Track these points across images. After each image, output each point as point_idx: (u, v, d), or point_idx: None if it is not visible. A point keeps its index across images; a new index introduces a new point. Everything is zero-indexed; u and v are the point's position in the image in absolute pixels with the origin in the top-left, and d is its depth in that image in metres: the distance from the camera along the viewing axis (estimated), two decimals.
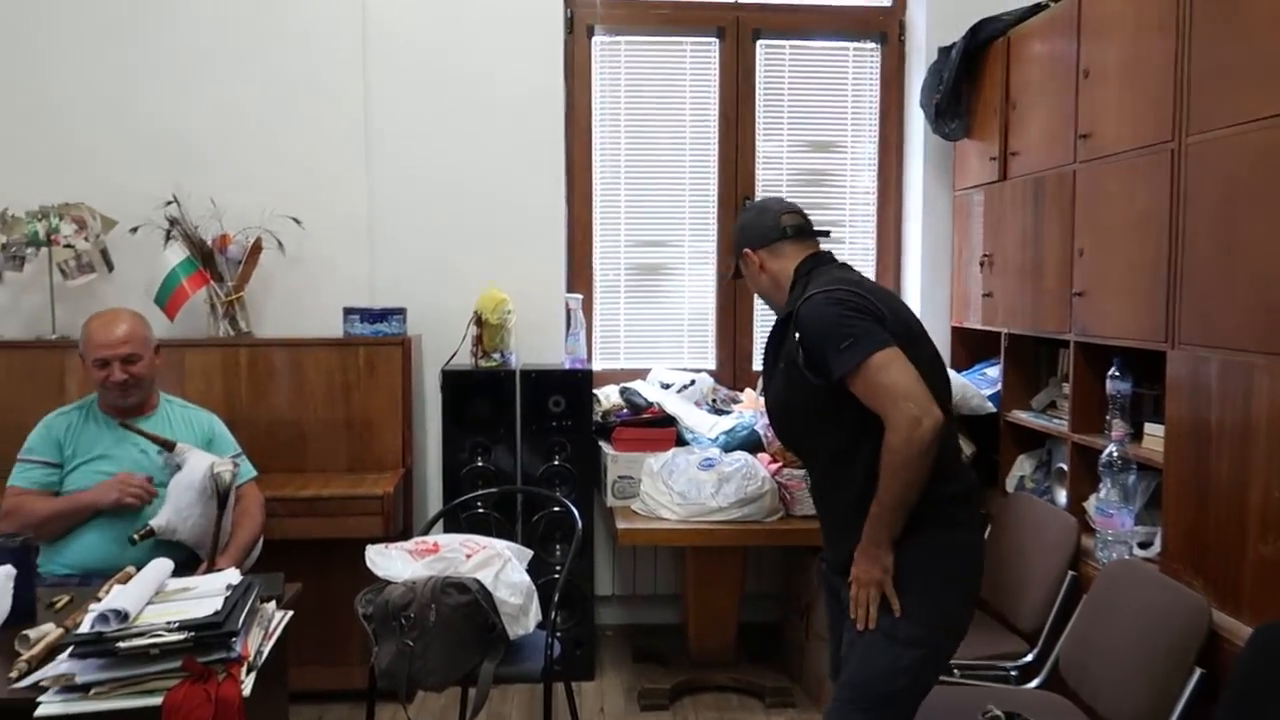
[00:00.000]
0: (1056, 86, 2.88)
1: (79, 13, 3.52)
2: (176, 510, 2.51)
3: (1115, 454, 2.53)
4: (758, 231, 2.15)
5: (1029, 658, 2.65)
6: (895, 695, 1.91)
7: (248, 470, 2.87)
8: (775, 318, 2.18)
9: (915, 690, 1.94)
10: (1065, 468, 2.88)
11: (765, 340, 2.22)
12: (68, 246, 3.33)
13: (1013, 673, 2.64)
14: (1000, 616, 2.86)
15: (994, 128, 3.27)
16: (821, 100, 3.91)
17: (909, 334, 1.96)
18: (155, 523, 2.48)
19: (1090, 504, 2.72)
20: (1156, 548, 2.46)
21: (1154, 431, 2.53)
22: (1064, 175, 2.84)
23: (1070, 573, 2.63)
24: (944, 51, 3.49)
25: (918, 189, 3.77)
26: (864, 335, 1.86)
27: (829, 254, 2.14)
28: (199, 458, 2.59)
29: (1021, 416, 3.16)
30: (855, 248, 3.91)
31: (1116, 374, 2.63)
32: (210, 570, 2.40)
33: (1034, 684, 2.50)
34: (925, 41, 3.69)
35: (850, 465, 1.94)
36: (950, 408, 2.03)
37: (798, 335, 1.94)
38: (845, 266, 2.12)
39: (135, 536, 2.44)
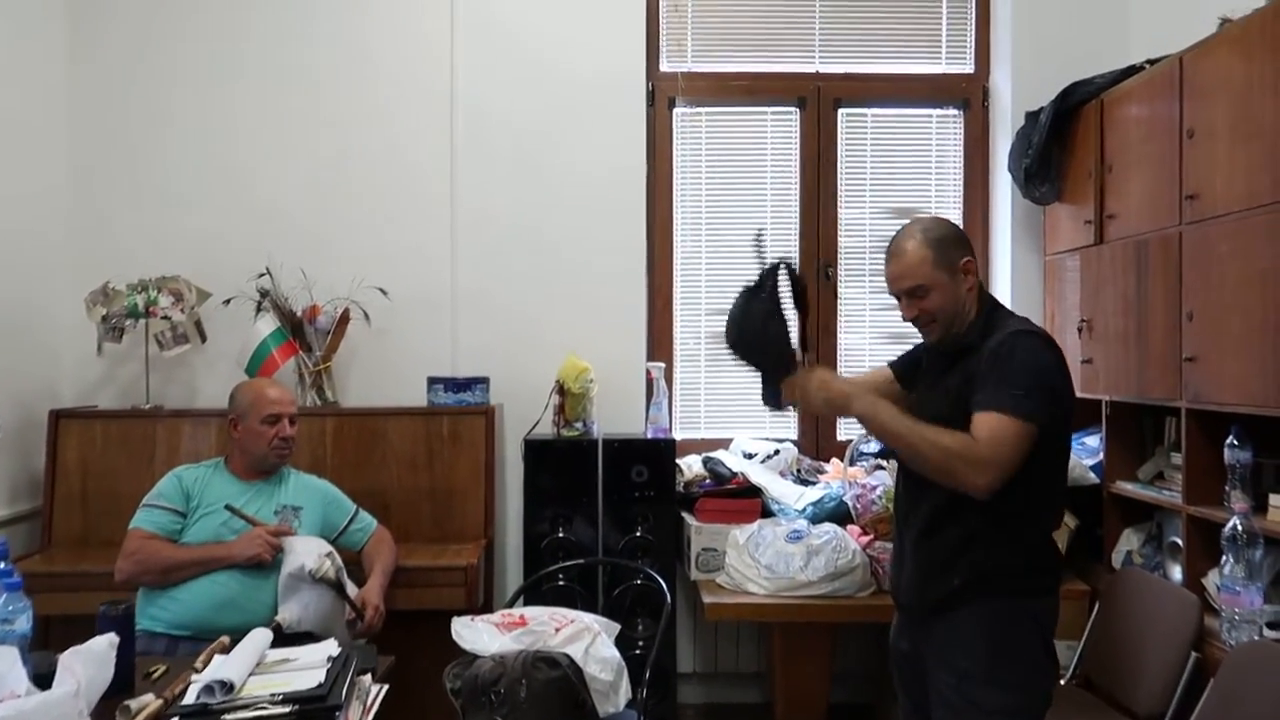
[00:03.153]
0: (1157, 148, 2.82)
1: (177, 95, 3.67)
2: (299, 603, 2.52)
3: (1239, 527, 2.39)
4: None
5: None
6: None
7: (370, 521, 2.97)
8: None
9: None
10: (1180, 542, 2.74)
11: (911, 353, 2.30)
12: (164, 318, 3.41)
13: None
14: (1114, 700, 2.70)
15: (1088, 191, 3.20)
16: (904, 167, 3.89)
17: (1068, 418, 2.02)
18: (281, 619, 2.48)
19: (1211, 581, 2.58)
20: None
21: (1279, 503, 2.39)
22: (1169, 237, 2.75)
23: (1193, 654, 2.47)
24: (1031, 116, 3.45)
25: (1006, 254, 3.70)
26: (1041, 402, 1.89)
27: None
28: (298, 553, 2.58)
29: (1127, 488, 3.02)
30: None
31: (1235, 443, 2.50)
32: (365, 629, 2.59)
33: None
34: (1010, 106, 3.66)
35: (977, 509, 1.92)
36: (1063, 500, 2.12)
37: (995, 358, 1.93)
38: None
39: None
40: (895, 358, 2.40)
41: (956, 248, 2.08)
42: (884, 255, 2.14)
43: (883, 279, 2.16)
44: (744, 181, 3.88)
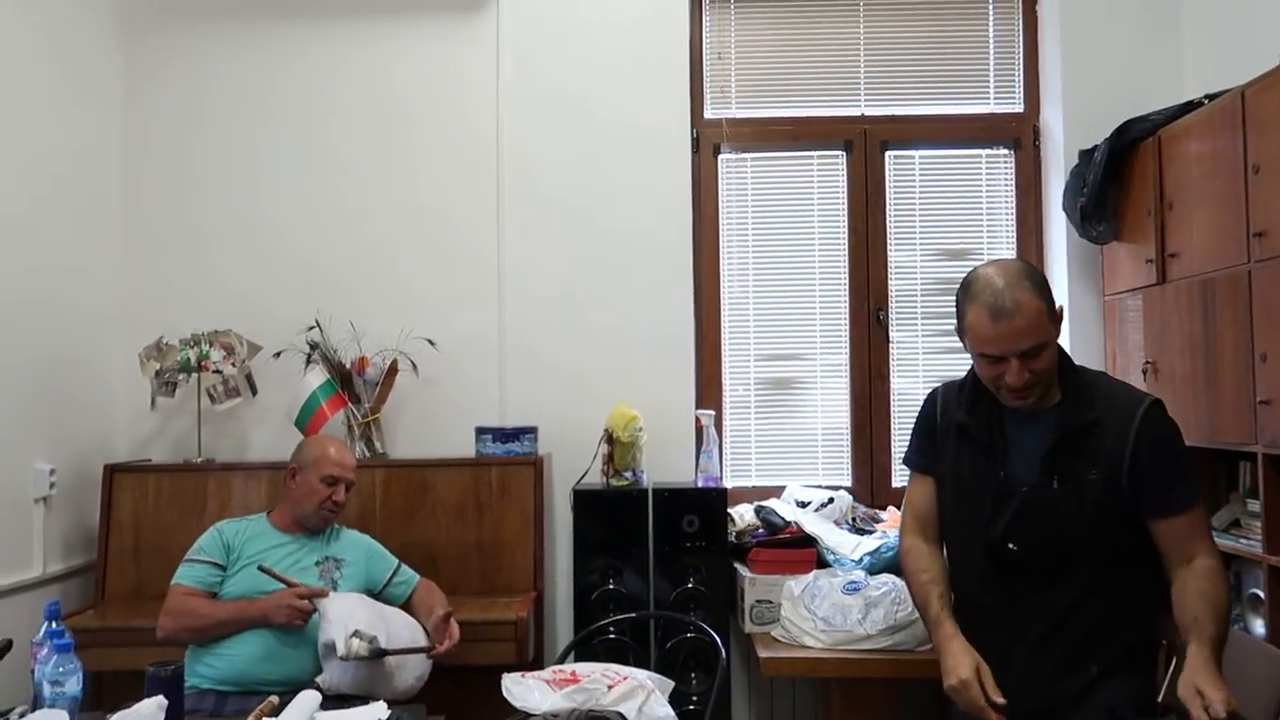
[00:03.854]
0: (1221, 184, 2.74)
1: (225, 149, 3.73)
2: (339, 669, 2.49)
3: None
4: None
5: None
6: None
7: (412, 575, 2.95)
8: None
9: None
10: (1261, 594, 2.61)
11: (924, 439, 2.10)
12: (216, 372, 3.44)
13: None
14: None
15: (1148, 229, 3.12)
16: (954, 208, 3.83)
17: None
18: (321, 680, 2.46)
19: None
20: None
21: None
22: (1237, 276, 2.66)
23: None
24: (1085, 154, 3.38)
25: (1063, 294, 3.60)
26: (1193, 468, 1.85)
27: None
28: (330, 623, 2.53)
29: None
30: None
31: None
32: (444, 649, 2.63)
33: None
34: (1062, 145, 3.60)
35: (1109, 592, 1.86)
36: None
37: (1162, 445, 1.82)
38: None
39: None
40: (913, 457, 2.17)
41: (1051, 292, 1.88)
42: (978, 308, 1.84)
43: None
44: (791, 226, 3.85)
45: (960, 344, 1.98)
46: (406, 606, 2.86)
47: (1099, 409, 1.85)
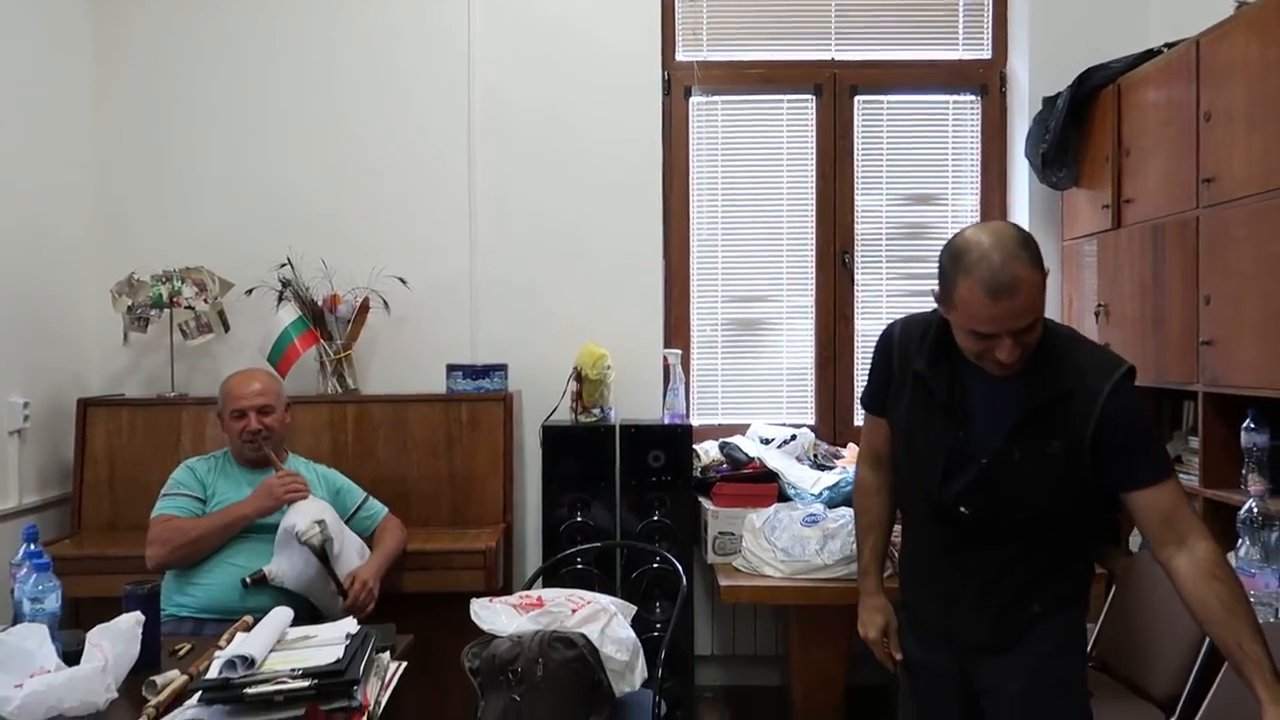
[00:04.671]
0: (1175, 131, 2.81)
1: (198, 87, 3.72)
2: (287, 560, 2.57)
3: (1255, 510, 2.39)
4: None
5: None
6: None
7: (380, 509, 3.01)
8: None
9: None
10: None
11: (880, 382, 1.99)
12: (188, 308, 3.46)
13: None
14: (1130, 683, 2.70)
15: (1105, 175, 3.19)
16: (921, 153, 3.88)
17: None
18: (268, 568, 2.55)
19: None
20: None
21: None
22: (1186, 221, 2.74)
23: (1209, 637, 2.47)
24: (1049, 101, 3.44)
25: None
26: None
27: None
28: (297, 511, 2.64)
29: None
30: None
31: (1252, 426, 2.50)
32: (349, 603, 2.61)
33: None
34: (1028, 92, 3.65)
35: (1054, 540, 1.87)
36: None
37: (1101, 417, 1.71)
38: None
39: (247, 580, 2.53)
40: (867, 399, 2.09)
41: (1042, 258, 1.71)
42: (973, 284, 1.65)
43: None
44: (760, 169, 3.89)
45: (932, 300, 1.83)
46: (371, 540, 2.93)
47: (1069, 380, 1.74)
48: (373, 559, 2.80)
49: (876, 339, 2.02)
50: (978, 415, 1.82)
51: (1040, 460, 1.77)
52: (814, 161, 3.86)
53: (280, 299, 3.51)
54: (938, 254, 1.79)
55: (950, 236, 1.78)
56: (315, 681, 1.70)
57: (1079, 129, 3.36)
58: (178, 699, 1.81)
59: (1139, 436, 1.74)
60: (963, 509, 1.85)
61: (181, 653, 2.15)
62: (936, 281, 1.78)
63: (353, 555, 2.75)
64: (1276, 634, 2.22)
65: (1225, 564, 1.71)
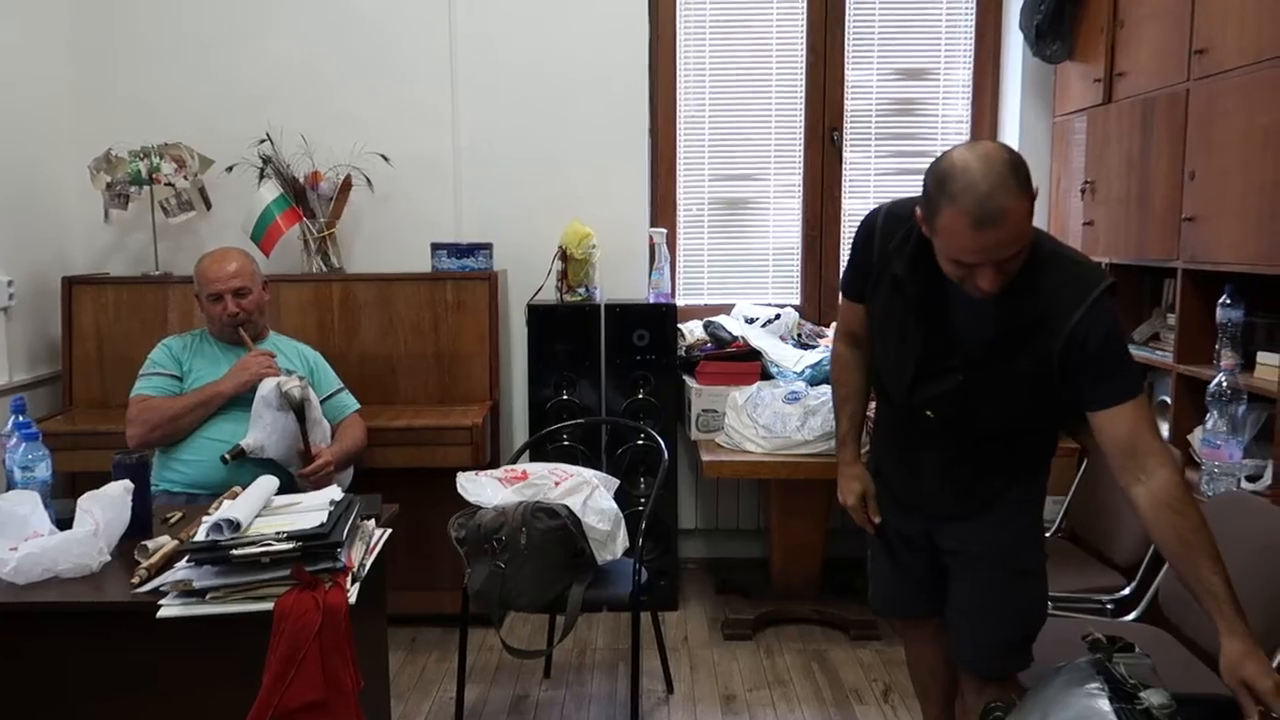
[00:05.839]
0: (1170, 1, 2.73)
1: None
2: (263, 428, 2.61)
3: (1224, 384, 2.43)
4: None
5: (1126, 591, 2.58)
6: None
7: (350, 403, 3.00)
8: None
9: None
10: (1169, 400, 2.79)
11: (858, 272, 1.96)
12: (168, 185, 3.42)
13: (1109, 606, 2.58)
14: (1095, 550, 2.80)
15: (1100, 48, 3.12)
16: (913, 26, 3.78)
17: None
18: (244, 442, 2.58)
19: (1196, 436, 2.63)
20: (1267, 480, 2.37)
21: (1267, 361, 2.43)
22: (1176, 94, 2.70)
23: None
24: None
25: (1014, 115, 3.63)
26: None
27: None
28: (270, 386, 2.66)
29: None
30: None
31: (1228, 301, 2.52)
32: (308, 469, 2.61)
33: (1131, 617, 2.44)
34: None
35: (1020, 445, 1.91)
36: None
37: (1071, 338, 1.68)
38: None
39: (226, 456, 2.55)
40: (845, 285, 2.07)
41: (1031, 181, 1.64)
42: (956, 212, 1.58)
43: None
44: (749, 45, 3.79)
45: (919, 183, 1.71)
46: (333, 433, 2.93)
47: (1045, 300, 1.71)
48: (331, 450, 2.77)
49: (861, 220, 1.97)
50: (953, 326, 1.81)
51: (1011, 377, 1.76)
52: (804, 35, 3.76)
53: (261, 176, 3.47)
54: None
55: (938, 156, 1.69)
56: (299, 544, 1.75)
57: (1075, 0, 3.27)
58: (169, 562, 1.88)
59: (1107, 359, 1.69)
60: (929, 413, 1.88)
61: (173, 520, 2.21)
62: (921, 195, 1.70)
63: (324, 430, 2.79)
64: (1236, 504, 2.31)
65: (1184, 494, 1.67)
